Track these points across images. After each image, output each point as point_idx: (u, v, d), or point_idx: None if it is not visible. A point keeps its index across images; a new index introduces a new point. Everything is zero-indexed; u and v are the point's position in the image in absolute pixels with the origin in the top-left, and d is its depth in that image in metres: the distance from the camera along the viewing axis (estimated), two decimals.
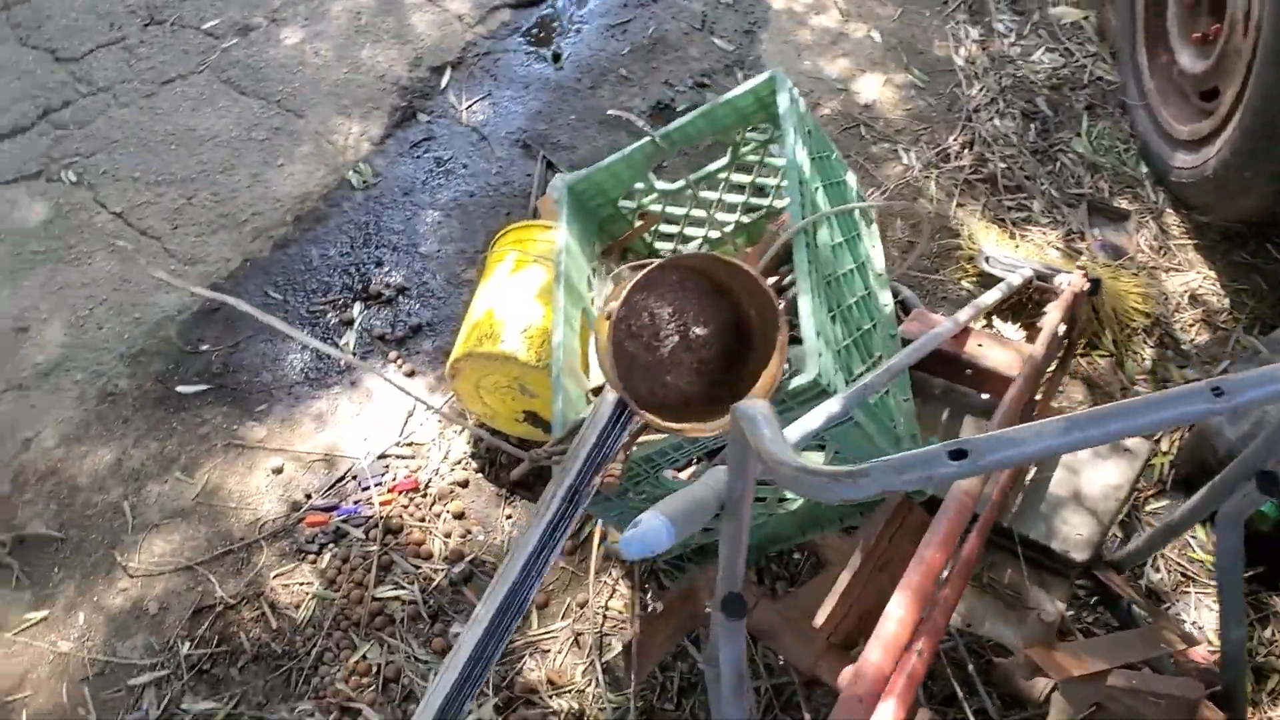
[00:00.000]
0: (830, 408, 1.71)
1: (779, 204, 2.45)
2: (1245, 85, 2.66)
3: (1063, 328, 2.31)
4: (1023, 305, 2.79)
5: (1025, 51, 3.51)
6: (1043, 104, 3.36)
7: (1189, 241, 3.02)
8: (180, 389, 2.81)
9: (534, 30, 3.69)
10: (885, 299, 2.28)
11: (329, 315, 2.96)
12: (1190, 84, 3.00)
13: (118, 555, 2.53)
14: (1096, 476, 2.13)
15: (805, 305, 1.80)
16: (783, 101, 2.14)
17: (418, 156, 3.32)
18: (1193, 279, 2.95)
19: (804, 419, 1.65)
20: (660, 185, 2.40)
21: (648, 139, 2.28)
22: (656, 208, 2.44)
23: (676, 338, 1.89)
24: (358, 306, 2.97)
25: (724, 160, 2.39)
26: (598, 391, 2.13)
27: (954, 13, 3.65)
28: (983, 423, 2.31)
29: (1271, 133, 2.59)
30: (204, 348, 2.89)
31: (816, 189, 2.11)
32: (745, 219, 2.47)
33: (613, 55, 3.58)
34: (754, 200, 2.45)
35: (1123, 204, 3.10)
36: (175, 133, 3.34)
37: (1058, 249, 2.98)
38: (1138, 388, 2.72)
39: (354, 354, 2.88)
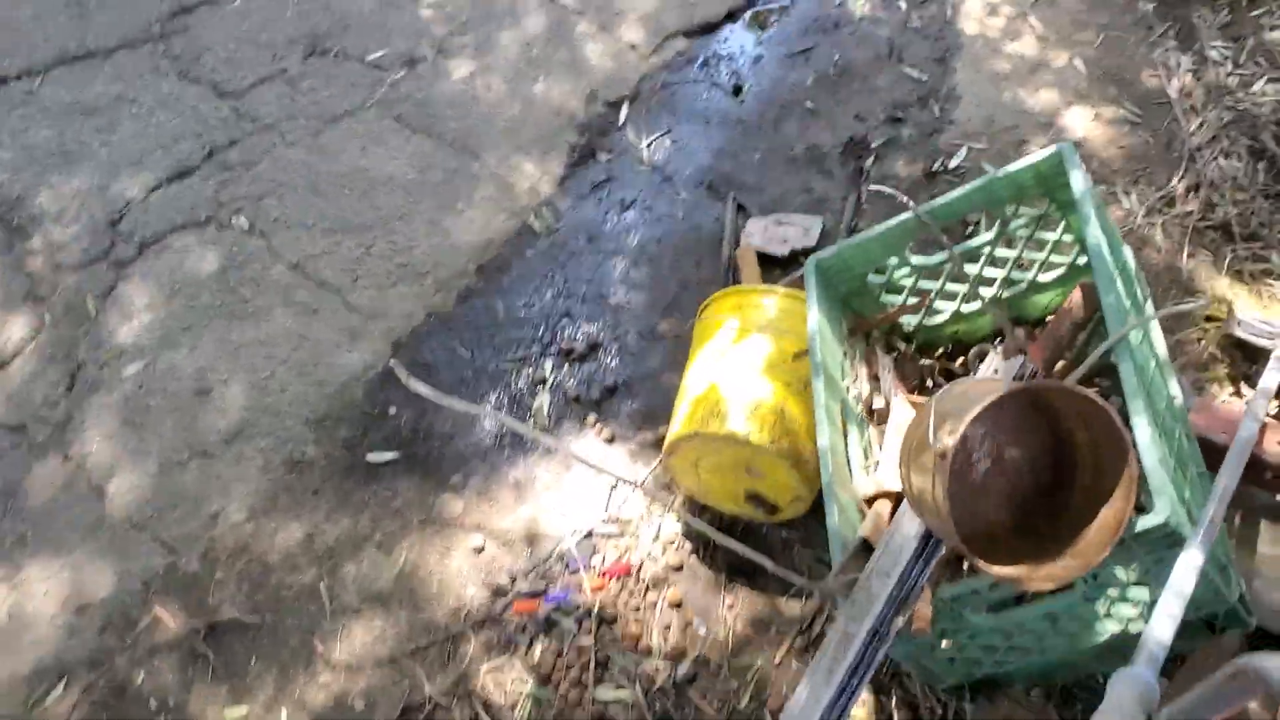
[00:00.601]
0: (1193, 561, 1.50)
1: (1043, 278, 2.23)
2: None
3: None
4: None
5: (1244, 82, 3.23)
6: (1270, 141, 3.08)
7: None
8: (370, 457, 2.67)
9: (711, 60, 3.48)
10: (1175, 390, 2.05)
11: (520, 373, 2.80)
12: None
13: (317, 643, 2.40)
14: None
15: (1144, 432, 1.59)
16: (1078, 182, 1.92)
17: (600, 199, 3.15)
18: None
19: (1177, 583, 1.46)
20: (916, 260, 2.20)
21: (909, 215, 2.08)
22: (908, 281, 2.24)
23: (989, 462, 1.69)
24: (549, 364, 2.81)
25: (989, 235, 2.18)
26: (870, 502, 1.94)
27: (1161, 38, 3.38)
28: None
29: None
30: (392, 411, 2.74)
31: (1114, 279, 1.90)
32: (1004, 293, 2.26)
33: (796, 86, 3.37)
34: (1014, 275, 2.24)
35: None
36: (347, 175, 3.19)
37: None
38: None
39: (548, 417, 2.72)
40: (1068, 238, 2.16)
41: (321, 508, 2.60)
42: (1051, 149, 2.00)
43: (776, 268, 2.93)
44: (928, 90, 3.31)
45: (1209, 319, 2.73)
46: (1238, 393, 2.62)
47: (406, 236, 3.05)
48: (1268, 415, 2.22)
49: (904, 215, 2.09)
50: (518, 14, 3.57)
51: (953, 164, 3.11)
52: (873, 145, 3.18)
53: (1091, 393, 1.51)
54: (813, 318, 2.10)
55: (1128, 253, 2.18)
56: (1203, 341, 2.69)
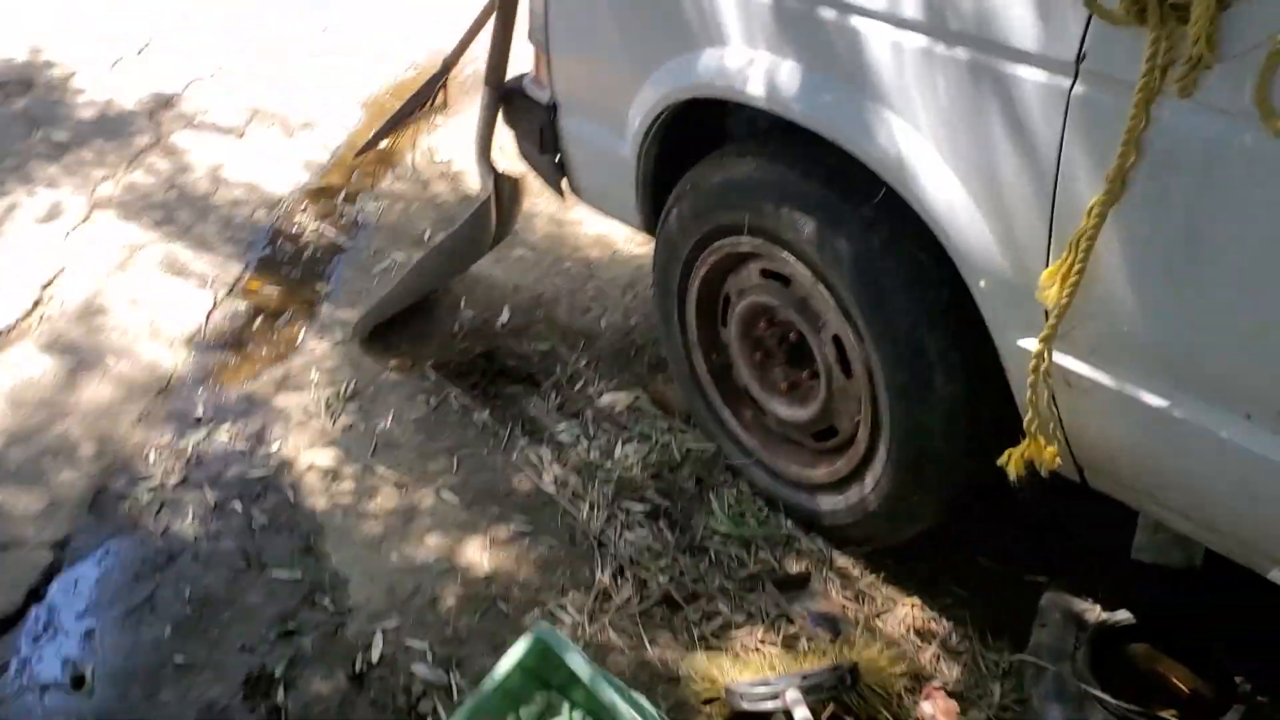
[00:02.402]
0: None
1: None
2: (876, 422, 2.60)
3: None
4: None
5: (604, 452, 3.27)
6: (655, 496, 3.11)
7: (871, 576, 2.88)
8: None
9: (29, 658, 2.71)
10: None
11: None
12: (798, 431, 2.92)
13: None
14: None
15: None
16: (580, 665, 1.60)
17: None
18: (903, 614, 2.79)
19: None
20: None
21: None
22: None
23: None
24: None
25: None
26: None
27: (511, 440, 3.33)
28: None
29: (929, 457, 2.54)
30: None
31: None
32: None
33: (154, 644, 2.73)
34: None
35: (794, 567, 2.89)
36: None
37: (776, 645, 2.67)
38: None
39: None
40: (577, 714, 1.83)
41: None
42: (528, 638, 1.68)
43: None
44: (309, 587, 2.87)
45: (707, 701, 2.55)
46: None
47: None
48: None
49: None
50: None
51: (376, 656, 2.68)
52: (277, 674, 2.64)
53: None
54: None
55: (642, 699, 1.90)
56: None
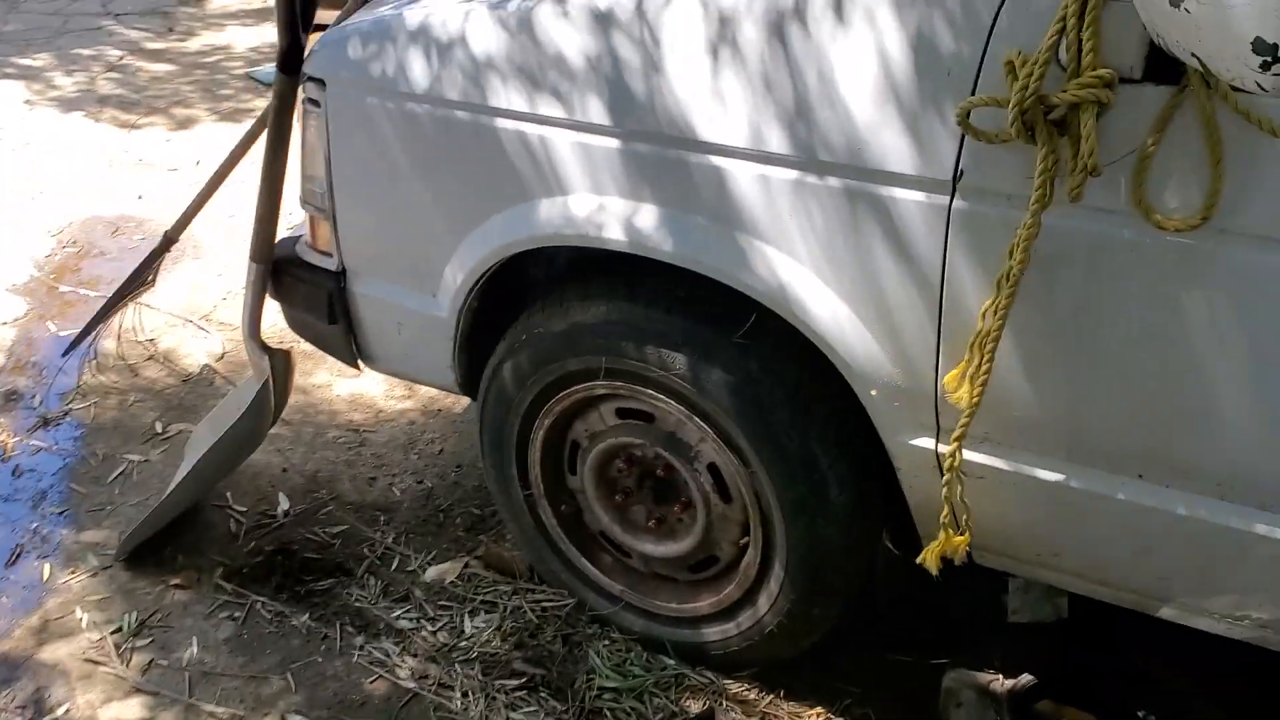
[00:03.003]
0: None
1: None
2: (769, 542, 2.61)
3: None
4: None
5: (453, 631, 3.04)
6: (527, 666, 2.91)
7: (769, 695, 2.86)
8: None
9: None
10: None
11: None
12: (669, 566, 2.86)
13: None
14: None
15: None
16: None
17: None
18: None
19: None
20: None
21: None
22: None
23: None
24: None
25: None
26: None
27: (345, 644, 3.00)
28: None
29: (830, 566, 2.58)
30: None
31: None
32: None
33: None
34: None
35: (694, 706, 2.81)
36: None
37: None
38: None
39: None
40: None
41: None
42: None
43: None
44: None
45: None
46: None
47: None
48: None
49: None
50: None
51: None
52: None
53: None
54: None
55: None
56: None
